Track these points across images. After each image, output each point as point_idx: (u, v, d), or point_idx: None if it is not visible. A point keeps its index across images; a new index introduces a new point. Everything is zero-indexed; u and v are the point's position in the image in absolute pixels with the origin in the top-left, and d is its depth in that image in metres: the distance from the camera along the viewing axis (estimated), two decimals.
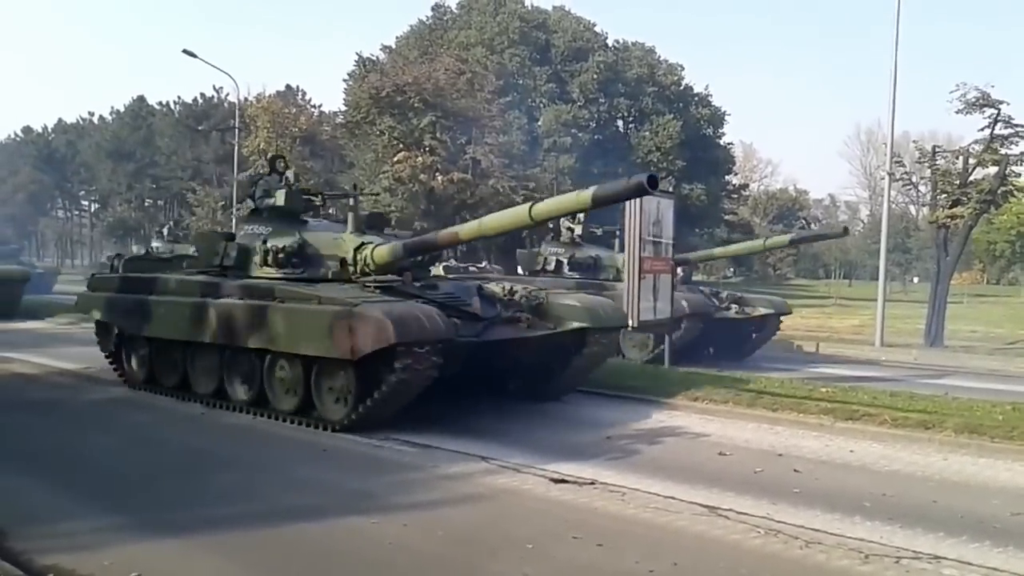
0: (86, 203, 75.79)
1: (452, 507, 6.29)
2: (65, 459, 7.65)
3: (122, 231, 66.36)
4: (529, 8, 51.37)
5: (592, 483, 6.84)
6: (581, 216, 17.08)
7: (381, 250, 9.56)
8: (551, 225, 17.68)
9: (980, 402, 10.13)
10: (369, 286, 9.27)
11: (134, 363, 11.46)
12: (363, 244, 9.75)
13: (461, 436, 8.50)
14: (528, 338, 9.52)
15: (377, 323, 8.02)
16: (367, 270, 9.64)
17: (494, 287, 10.24)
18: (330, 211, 14.51)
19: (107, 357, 11.90)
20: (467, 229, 9.30)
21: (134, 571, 4.85)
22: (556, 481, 6.91)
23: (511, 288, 10.16)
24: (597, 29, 51.77)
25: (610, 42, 52.03)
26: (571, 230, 17.82)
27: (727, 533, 5.74)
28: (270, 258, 10.09)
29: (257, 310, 9.23)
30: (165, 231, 27.18)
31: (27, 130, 74.06)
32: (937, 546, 5.46)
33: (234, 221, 41.30)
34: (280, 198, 10.59)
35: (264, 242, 10.14)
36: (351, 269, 9.71)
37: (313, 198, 11.27)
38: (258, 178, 11.19)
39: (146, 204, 67.10)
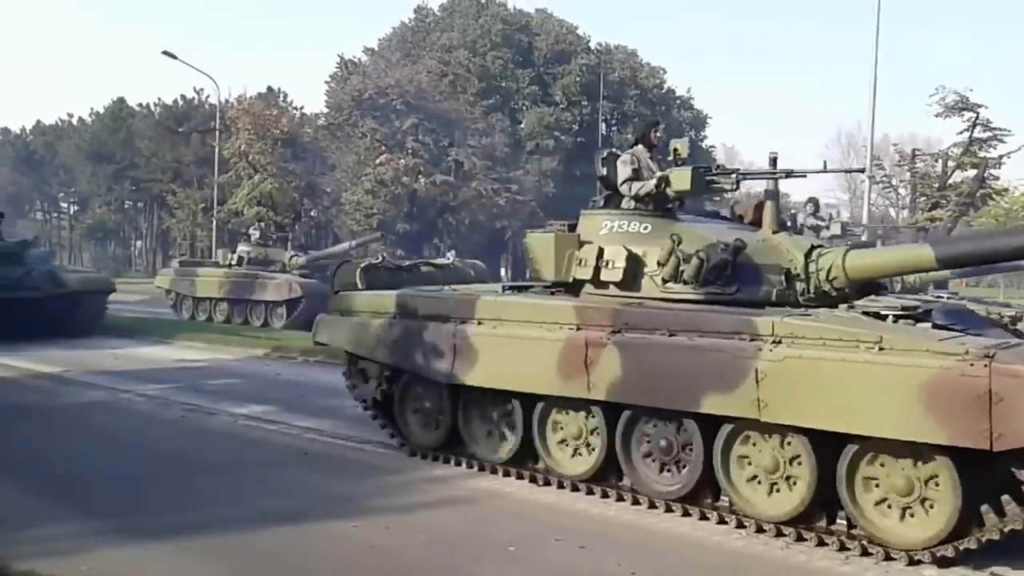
0: (65, 205, 75.19)
1: (434, 510, 6.27)
2: (43, 463, 7.56)
3: (101, 233, 65.85)
4: (512, 11, 51.43)
5: (574, 485, 6.83)
6: None
7: (861, 259, 6.31)
8: None
9: None
10: (851, 313, 5.82)
11: (417, 420, 7.88)
12: (814, 249, 6.45)
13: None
14: None
15: None
16: (824, 288, 6.31)
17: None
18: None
19: (367, 409, 8.30)
20: None
21: None
22: (539, 484, 6.89)
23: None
24: (580, 32, 51.90)
25: (593, 45, 52.16)
26: None
27: (710, 534, 5.76)
28: (689, 271, 6.29)
29: (734, 357, 5.57)
30: (255, 233, 24.09)
31: (5, 131, 73.31)
32: None
33: (214, 224, 41.22)
34: (683, 180, 6.79)
35: (678, 244, 6.31)
36: (801, 286, 6.36)
37: (722, 180, 6.96)
38: (610, 155, 7.45)
39: (126, 206, 66.50)
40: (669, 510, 6.16)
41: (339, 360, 14.21)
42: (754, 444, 5.81)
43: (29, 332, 15.92)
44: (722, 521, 5.89)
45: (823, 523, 5.61)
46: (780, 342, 5.42)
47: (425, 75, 37.68)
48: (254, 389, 11.68)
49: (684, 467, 6.15)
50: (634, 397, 6.18)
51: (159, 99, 60.20)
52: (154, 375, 12.65)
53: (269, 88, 53.27)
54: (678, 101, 53.70)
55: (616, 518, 6.11)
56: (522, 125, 47.12)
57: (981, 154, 20.05)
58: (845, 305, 5.99)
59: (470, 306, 7.19)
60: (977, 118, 19.75)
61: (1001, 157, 20.13)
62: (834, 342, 5.22)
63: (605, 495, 6.51)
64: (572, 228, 7.21)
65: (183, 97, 58.10)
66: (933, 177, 20.92)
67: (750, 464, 5.83)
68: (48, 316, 16.82)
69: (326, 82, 48.10)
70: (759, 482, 5.79)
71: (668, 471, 6.25)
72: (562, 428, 6.81)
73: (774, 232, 6.64)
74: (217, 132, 41.20)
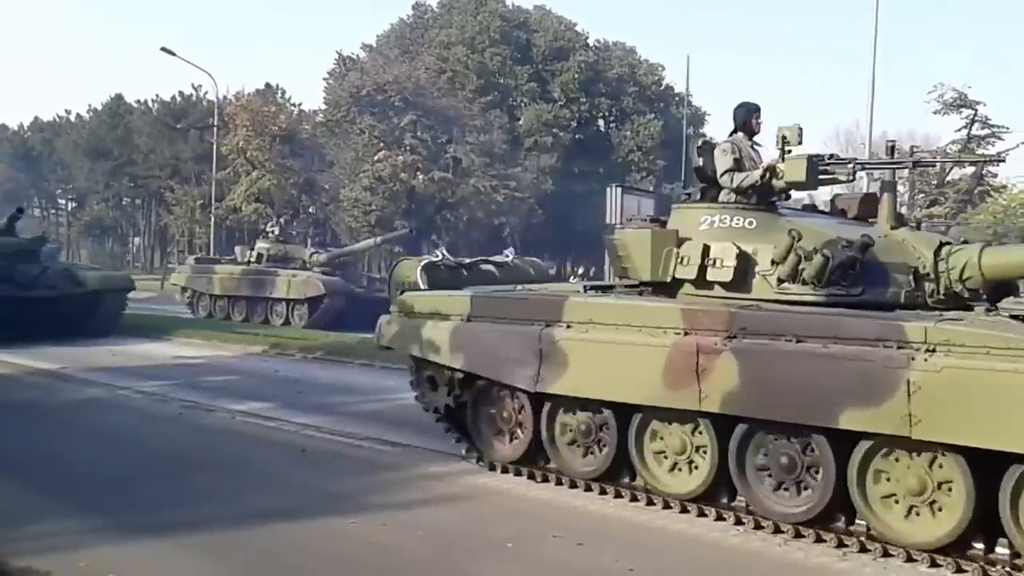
0: (63, 202, 75.06)
1: (432, 507, 6.27)
2: (40, 460, 7.56)
3: (99, 230, 65.72)
4: (510, 7, 51.35)
5: (572, 481, 6.83)
6: None
7: (999, 257, 5.77)
8: None
9: None
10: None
11: (493, 430, 7.25)
12: (943, 246, 5.92)
13: (440, 435, 8.46)
14: None
15: None
16: (955, 289, 5.83)
17: None
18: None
19: (439, 419, 7.71)
20: None
21: (110, 572, 4.81)
22: (536, 480, 6.89)
23: None
24: (578, 28, 51.85)
25: (591, 42, 52.11)
26: None
27: (707, 531, 5.76)
28: (810, 270, 5.71)
29: (881, 367, 4.99)
30: (275, 229, 23.33)
31: (2, 128, 73.17)
32: None
33: (212, 220, 41.18)
34: (798, 170, 6.16)
35: (797, 240, 5.72)
36: (930, 287, 5.86)
37: (837, 170, 6.38)
38: (706, 144, 6.92)
39: (123, 203, 66.43)
40: (667, 507, 6.15)
41: (338, 357, 14.35)
42: (897, 462, 5.20)
43: (46, 332, 15.47)
44: (720, 518, 5.89)
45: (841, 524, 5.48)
46: (934, 350, 4.86)
47: (423, 72, 37.65)
48: (252, 386, 11.68)
49: (806, 487, 5.58)
50: (754, 410, 5.56)
51: (157, 96, 60.13)
52: (152, 372, 12.64)
53: (267, 85, 53.20)
54: (677, 98, 53.65)
55: (614, 515, 6.11)
56: (520, 122, 47.10)
57: (979, 151, 20.07)
58: (982, 308, 5.56)
59: (557, 308, 6.57)
60: (975, 115, 19.78)
61: (1000, 154, 20.13)
62: (1001, 351, 4.65)
63: (603, 492, 6.50)
64: (654, 223, 6.71)
65: (181, 94, 58.03)
66: (931, 174, 20.95)
67: (888, 482, 5.24)
68: (66, 315, 16.38)
69: (324, 79, 48.12)
70: (896, 502, 5.22)
71: (786, 490, 5.65)
72: (662, 440, 6.21)
73: (892, 228, 6.12)
74: (215, 129, 41.17)
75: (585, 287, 7.49)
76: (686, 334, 5.83)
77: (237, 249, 24.51)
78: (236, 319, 21.20)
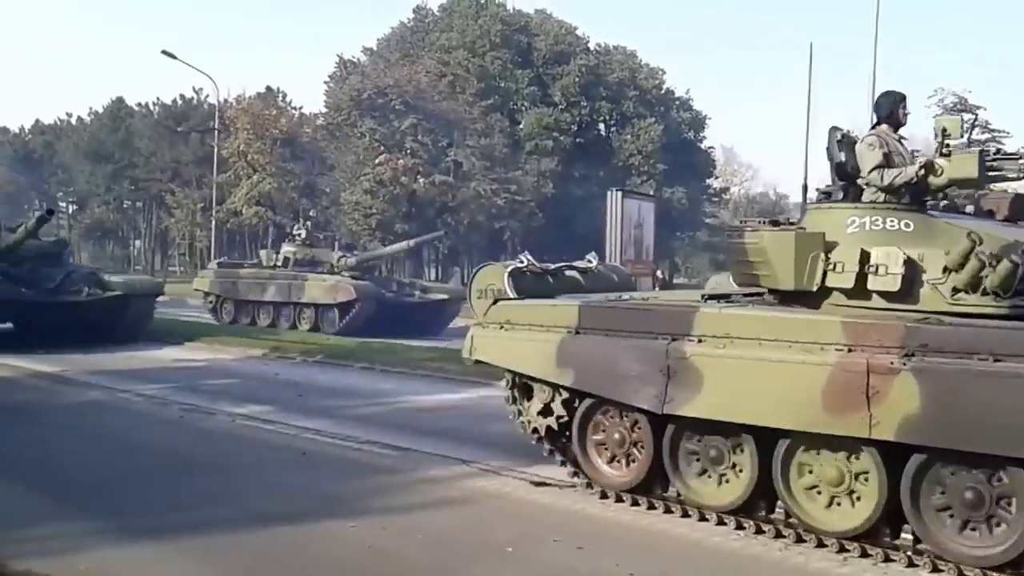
0: (63, 204, 75.10)
1: (432, 511, 6.25)
2: (40, 463, 7.54)
3: (100, 233, 65.74)
4: (511, 11, 51.45)
5: (573, 486, 6.81)
6: None
7: None
8: None
9: None
10: None
11: (604, 454, 6.55)
12: None
13: (440, 439, 8.47)
14: None
15: None
16: None
17: None
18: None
19: (539, 440, 6.92)
20: None
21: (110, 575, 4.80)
22: (537, 484, 6.89)
23: None
24: (579, 32, 51.94)
25: (592, 46, 52.18)
26: None
27: (708, 535, 5.74)
28: (995, 279, 5.06)
29: None
30: (301, 232, 22.70)
31: (3, 131, 73.18)
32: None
33: (213, 223, 41.21)
34: (968, 166, 5.65)
35: (978, 245, 5.11)
36: None
37: (1006, 166, 5.88)
38: (846, 138, 6.23)
39: (124, 206, 66.50)
40: (668, 511, 6.14)
41: (338, 361, 14.35)
42: None
43: (71, 338, 14.91)
44: (721, 523, 5.88)
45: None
46: None
47: (424, 75, 37.73)
48: (252, 389, 11.68)
49: (998, 524, 4.84)
50: (938, 438, 4.85)
51: (158, 99, 60.23)
52: (153, 375, 12.64)
53: (268, 88, 53.33)
54: (677, 102, 53.71)
55: (614, 518, 6.10)
56: (521, 126, 47.15)
57: None
58: None
59: (686, 320, 5.84)
60: (976, 119, 19.77)
61: None
62: None
63: (604, 496, 6.47)
64: (775, 224, 6.07)
65: (182, 97, 58.12)
66: None
67: None
68: (92, 321, 15.72)
69: (325, 82, 48.25)
70: None
71: (974, 529, 4.90)
72: (811, 472, 5.45)
73: None
74: (216, 132, 41.23)
75: (704, 296, 6.72)
76: (850, 351, 5.09)
77: (263, 252, 23.97)
78: (262, 324, 20.72)
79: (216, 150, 40.66)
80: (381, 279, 23.21)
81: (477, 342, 7.09)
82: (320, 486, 6.88)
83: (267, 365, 14.28)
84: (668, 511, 6.12)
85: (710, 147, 57.97)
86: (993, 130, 19.85)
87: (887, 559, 5.15)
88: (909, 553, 5.12)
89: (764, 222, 6.14)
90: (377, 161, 37.27)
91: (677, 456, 6.05)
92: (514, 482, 6.97)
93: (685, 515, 6.05)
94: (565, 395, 6.59)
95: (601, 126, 51.92)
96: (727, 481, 5.86)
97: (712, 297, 6.61)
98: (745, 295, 6.28)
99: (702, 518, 5.96)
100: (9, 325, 15.84)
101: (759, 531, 5.67)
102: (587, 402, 6.52)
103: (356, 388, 11.97)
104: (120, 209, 66.19)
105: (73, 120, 69.14)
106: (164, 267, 61.57)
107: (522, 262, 7.48)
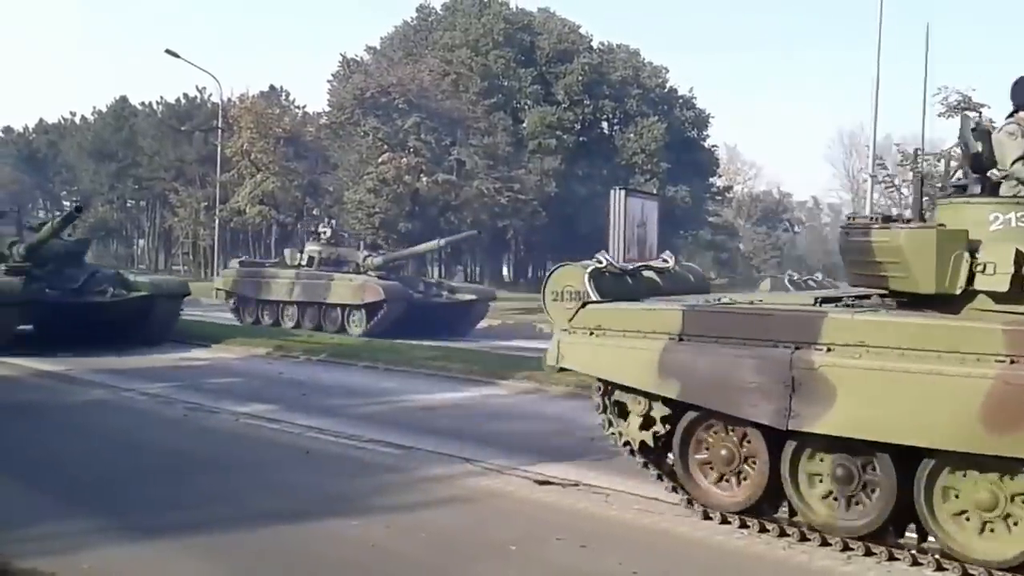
0: (67, 203, 75.26)
1: (435, 509, 6.25)
2: (44, 462, 7.56)
3: (104, 232, 65.79)
4: (514, 10, 51.41)
5: (576, 484, 6.82)
6: None
7: None
8: None
9: None
10: None
11: (709, 471, 6.01)
12: None
13: (443, 437, 8.47)
14: None
15: None
16: None
17: None
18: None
19: (632, 454, 6.41)
20: None
21: (113, 574, 4.79)
22: (540, 483, 6.89)
23: None
24: (582, 31, 51.90)
25: (595, 44, 52.13)
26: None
27: (711, 534, 5.73)
28: None
29: None
30: (326, 231, 22.13)
31: (7, 130, 73.36)
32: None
33: (217, 222, 41.26)
34: None
35: None
36: None
37: None
38: (980, 128, 6.02)
39: (128, 205, 66.64)
40: (670, 510, 6.12)
41: (342, 359, 14.36)
42: None
43: (95, 341, 14.50)
44: (725, 521, 5.87)
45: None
46: None
47: (427, 74, 37.73)
48: (256, 388, 11.69)
49: None
50: None
51: (161, 98, 60.34)
52: (156, 373, 12.65)
53: (271, 87, 53.43)
54: (680, 100, 53.65)
55: (617, 517, 6.09)
56: (524, 124, 47.13)
57: None
58: None
59: (812, 327, 5.28)
60: (980, 118, 19.71)
61: None
62: None
63: (605, 497, 6.47)
64: (887, 220, 5.67)
65: (185, 96, 58.19)
66: (936, 177, 20.89)
67: None
68: (117, 323, 15.19)
69: (328, 81, 48.22)
70: None
71: None
72: (958, 497, 4.94)
73: None
74: (219, 131, 41.31)
75: (818, 299, 6.10)
76: (1012, 362, 4.58)
77: (286, 252, 23.39)
78: (286, 325, 20.29)
79: (220, 149, 40.72)
80: (408, 279, 22.74)
81: (564, 349, 6.44)
82: (323, 485, 6.89)
83: (271, 364, 14.29)
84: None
85: (713, 145, 57.93)
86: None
87: (891, 558, 5.13)
88: (913, 552, 5.11)
89: (877, 218, 5.69)
90: (380, 160, 37.27)
91: (799, 477, 5.52)
92: (517, 481, 6.97)
93: (688, 515, 6.00)
94: (663, 407, 6.06)
95: (604, 124, 51.90)
96: (858, 504, 5.33)
97: (826, 300, 6.07)
98: (856, 298, 5.89)
99: (705, 516, 5.94)
100: (29, 326, 15.26)
101: (763, 529, 5.66)
102: (689, 415, 5.99)
103: (359, 387, 11.98)
104: (124, 208, 66.34)
105: (77, 119, 69.29)
106: (168, 266, 61.66)
107: (600, 262, 6.93)
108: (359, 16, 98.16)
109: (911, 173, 21.76)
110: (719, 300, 6.35)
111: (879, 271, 5.51)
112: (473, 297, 21.14)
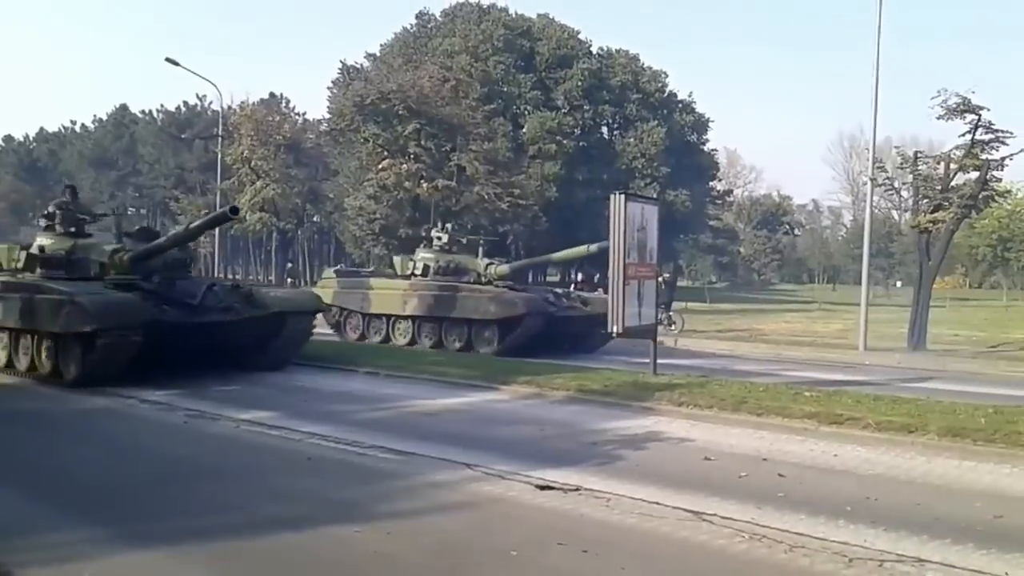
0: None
1: (437, 515, 6.26)
2: (45, 469, 7.56)
3: None
4: (513, 16, 51.55)
5: (577, 490, 6.82)
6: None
7: None
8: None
9: (963, 405, 10.17)
10: None
11: None
12: None
13: (445, 443, 8.47)
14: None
15: None
16: None
17: None
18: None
19: None
20: None
21: None
22: (541, 488, 6.88)
23: None
24: (581, 36, 52.05)
25: (594, 49, 52.29)
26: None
27: (712, 538, 5.73)
28: None
29: None
30: (442, 236, 19.89)
31: (8, 139, 73.53)
32: (920, 549, 5.47)
33: (217, 230, 41.16)
34: None
35: None
36: None
37: None
38: None
39: (129, 213, 66.80)
40: (672, 515, 6.12)
41: (343, 366, 14.31)
42: None
43: (214, 365, 12.88)
44: (726, 527, 5.87)
45: None
46: None
47: (427, 80, 37.71)
48: (257, 395, 11.67)
49: None
50: None
51: (162, 106, 60.60)
52: (157, 380, 12.63)
53: (271, 94, 53.57)
54: (680, 105, 53.75)
55: (619, 522, 6.09)
56: (524, 130, 47.19)
57: (983, 156, 19.99)
58: None
59: None
60: (979, 120, 19.70)
61: (1003, 159, 20.10)
62: None
63: (606, 501, 6.47)
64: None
65: (186, 103, 58.40)
66: (935, 179, 20.89)
67: None
68: (242, 345, 13.18)
69: (328, 88, 48.40)
70: None
71: None
72: None
73: None
74: (220, 138, 41.36)
75: None
76: None
77: (396, 260, 21.02)
78: (399, 342, 18.26)
79: (220, 156, 40.77)
80: (538, 289, 20.75)
81: None
82: (325, 491, 6.88)
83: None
84: (672, 514, 6.08)
85: (713, 149, 58.04)
86: (996, 130, 19.74)
87: (880, 562, 5.15)
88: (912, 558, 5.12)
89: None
90: (380, 166, 37.29)
91: None
92: (519, 486, 6.97)
93: (690, 520, 6.03)
94: None
95: (604, 129, 52.00)
96: None
97: None
98: None
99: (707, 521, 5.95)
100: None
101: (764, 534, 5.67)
102: None
103: (360, 393, 11.97)
104: (124, 216, 66.43)
105: (77, 128, 69.44)
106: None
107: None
108: (359, 24, 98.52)
109: (910, 176, 21.79)
110: None
111: None
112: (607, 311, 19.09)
